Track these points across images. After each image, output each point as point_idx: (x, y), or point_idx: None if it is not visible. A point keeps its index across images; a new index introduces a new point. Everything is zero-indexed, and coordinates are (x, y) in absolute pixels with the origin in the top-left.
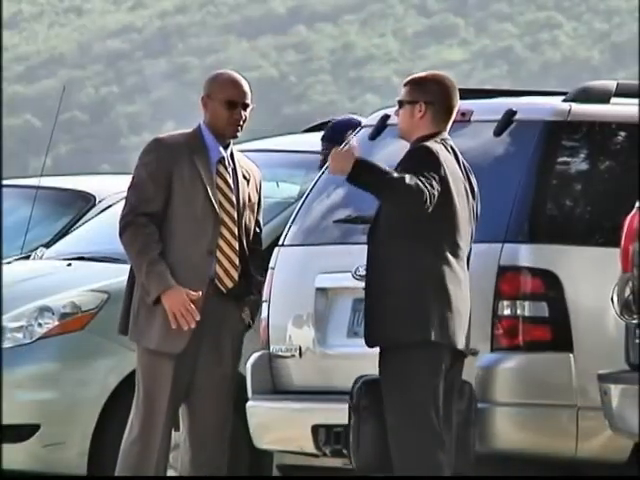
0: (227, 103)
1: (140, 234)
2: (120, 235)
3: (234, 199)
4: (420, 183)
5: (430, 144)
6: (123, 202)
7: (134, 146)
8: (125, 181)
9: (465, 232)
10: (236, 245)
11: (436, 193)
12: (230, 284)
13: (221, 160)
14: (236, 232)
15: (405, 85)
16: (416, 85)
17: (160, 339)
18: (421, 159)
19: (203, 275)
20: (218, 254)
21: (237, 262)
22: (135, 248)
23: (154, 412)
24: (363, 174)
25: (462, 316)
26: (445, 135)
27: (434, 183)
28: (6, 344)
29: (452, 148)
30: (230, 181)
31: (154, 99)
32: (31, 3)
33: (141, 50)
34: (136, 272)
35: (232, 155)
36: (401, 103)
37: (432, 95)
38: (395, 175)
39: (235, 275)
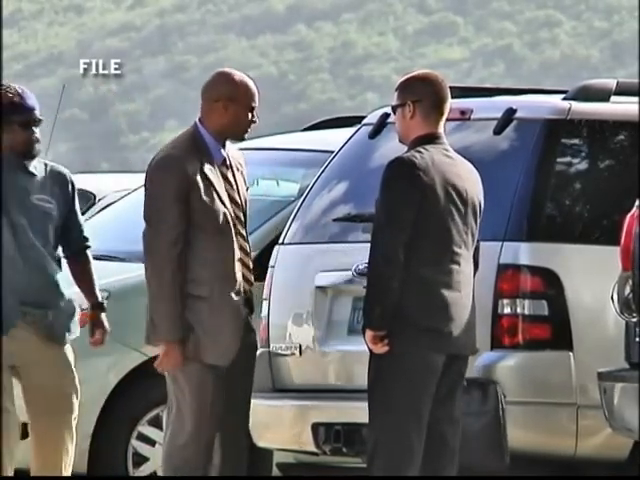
0: (251, 108)
1: (169, 272)
2: (148, 253)
3: (239, 200)
4: (381, 263)
5: (409, 157)
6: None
7: (133, 144)
8: (124, 179)
9: (455, 236)
10: (248, 248)
11: (402, 236)
12: (248, 287)
13: (223, 162)
14: (245, 234)
15: (395, 91)
16: (403, 87)
17: (217, 354)
18: (393, 180)
19: (234, 284)
20: (238, 261)
21: (251, 265)
22: (162, 285)
23: (202, 421)
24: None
25: (455, 320)
26: (441, 138)
27: (398, 223)
28: None
29: (447, 149)
30: (233, 182)
31: (153, 97)
32: (31, 1)
33: (140, 49)
34: (153, 304)
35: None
36: (394, 109)
37: (418, 93)
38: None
39: (252, 278)
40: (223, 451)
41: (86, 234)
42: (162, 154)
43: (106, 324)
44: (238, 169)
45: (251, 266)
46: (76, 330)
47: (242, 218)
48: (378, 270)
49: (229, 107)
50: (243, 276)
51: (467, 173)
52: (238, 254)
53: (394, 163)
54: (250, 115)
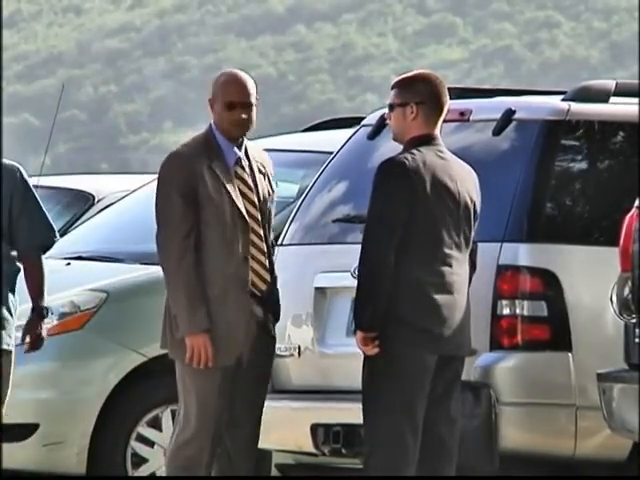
0: (227, 104)
1: (185, 264)
2: (161, 256)
3: (256, 200)
4: (373, 264)
5: (399, 159)
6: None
7: (133, 145)
8: (124, 180)
9: (446, 237)
10: (264, 247)
11: (393, 238)
12: (264, 287)
13: (237, 161)
14: (262, 233)
15: (393, 87)
16: (405, 87)
17: (222, 355)
18: (385, 182)
19: (243, 283)
20: (250, 259)
21: (267, 264)
22: (179, 277)
23: (206, 419)
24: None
25: (447, 321)
26: (437, 139)
27: (389, 225)
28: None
29: (441, 151)
30: (250, 182)
31: (153, 98)
32: (30, 2)
33: (140, 49)
34: (173, 300)
35: (246, 151)
36: (392, 106)
37: (422, 95)
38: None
39: (268, 277)
40: (231, 453)
41: (42, 233)
42: (171, 152)
43: (43, 332)
44: (261, 171)
45: (267, 265)
46: (9, 340)
47: (258, 217)
48: (369, 271)
49: (213, 106)
50: (257, 274)
51: (461, 174)
52: (251, 252)
53: (385, 164)
54: (230, 112)
